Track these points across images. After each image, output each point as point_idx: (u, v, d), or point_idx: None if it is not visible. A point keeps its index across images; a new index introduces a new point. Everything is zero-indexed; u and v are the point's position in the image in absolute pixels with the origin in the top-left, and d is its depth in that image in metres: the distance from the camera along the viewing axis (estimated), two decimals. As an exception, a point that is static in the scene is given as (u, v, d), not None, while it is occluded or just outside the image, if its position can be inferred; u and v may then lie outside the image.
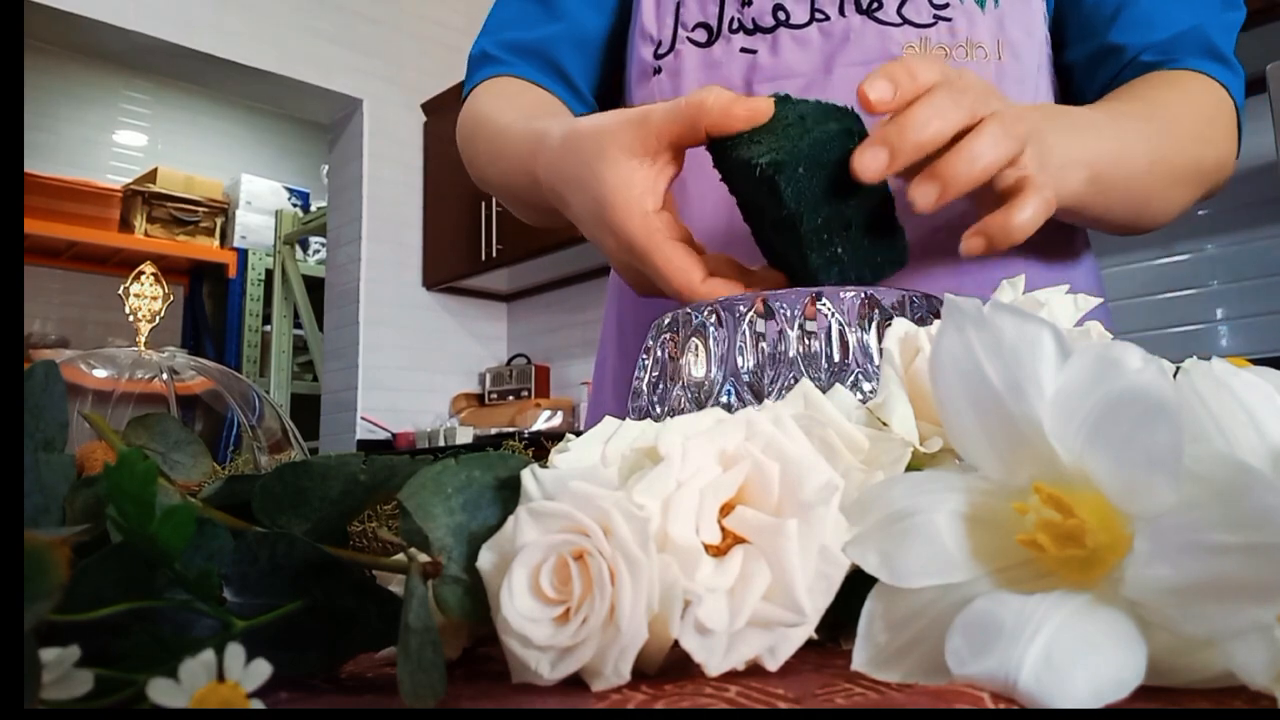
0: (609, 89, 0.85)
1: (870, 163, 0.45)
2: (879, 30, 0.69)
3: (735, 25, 0.72)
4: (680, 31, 0.74)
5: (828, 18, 0.70)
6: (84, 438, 0.46)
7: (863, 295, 0.42)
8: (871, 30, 0.69)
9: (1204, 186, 0.69)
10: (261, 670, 0.21)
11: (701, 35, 0.73)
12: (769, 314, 0.43)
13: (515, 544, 0.25)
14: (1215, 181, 0.70)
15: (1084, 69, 0.74)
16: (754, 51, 0.71)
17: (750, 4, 0.72)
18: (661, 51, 0.75)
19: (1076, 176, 0.55)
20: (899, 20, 0.69)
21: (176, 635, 0.25)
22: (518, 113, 0.72)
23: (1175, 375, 0.26)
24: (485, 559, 0.26)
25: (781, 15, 0.71)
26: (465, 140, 0.80)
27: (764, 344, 0.42)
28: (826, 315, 0.42)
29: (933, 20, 0.69)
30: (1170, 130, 0.64)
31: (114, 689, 0.21)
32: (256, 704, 0.20)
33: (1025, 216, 0.48)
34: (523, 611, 0.24)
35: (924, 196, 0.46)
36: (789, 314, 0.42)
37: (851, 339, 0.42)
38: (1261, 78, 1.84)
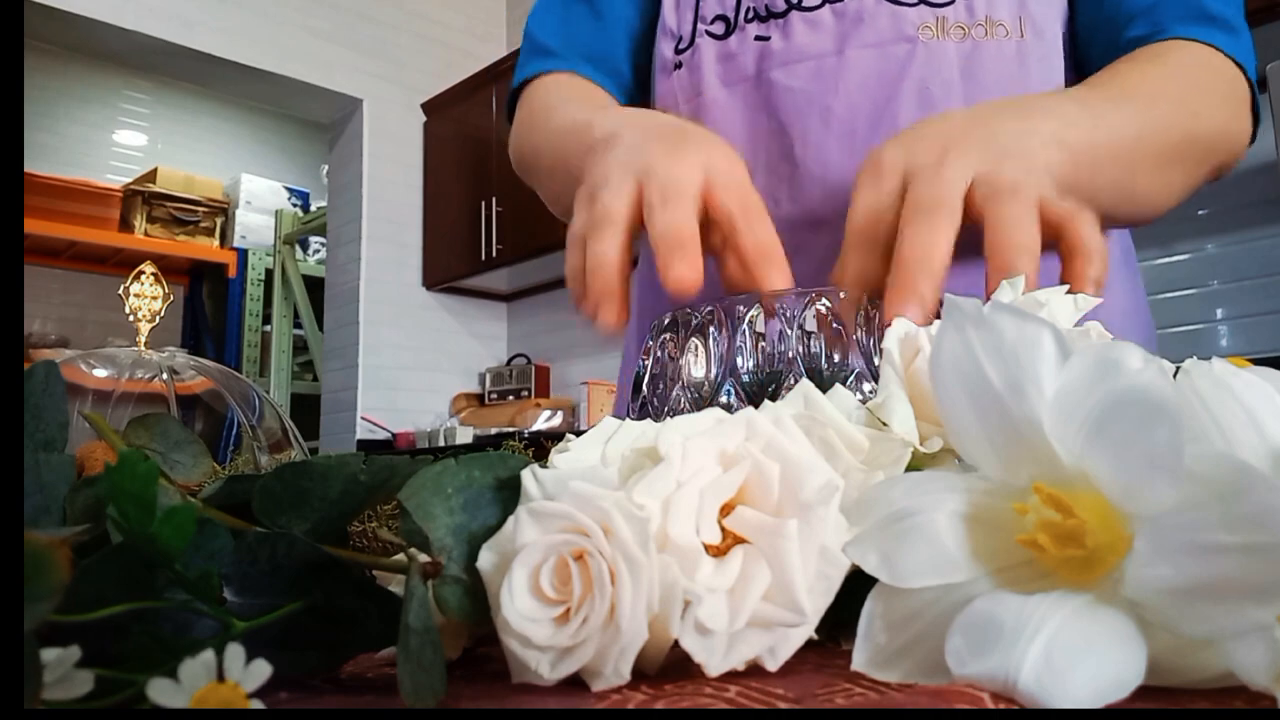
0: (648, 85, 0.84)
1: (914, 316, 0.43)
2: (893, 10, 0.67)
3: (750, 14, 0.72)
4: (699, 25, 0.74)
5: None
6: (84, 438, 0.46)
7: (863, 295, 0.42)
8: (885, 11, 0.67)
9: (1205, 164, 0.62)
10: (261, 670, 0.21)
11: (719, 28, 0.73)
12: (769, 314, 0.43)
13: (515, 544, 0.25)
14: (1221, 157, 0.63)
15: (1086, 44, 0.70)
16: (767, 38, 0.71)
17: None
18: (682, 47, 0.75)
19: (1052, 154, 0.49)
20: (914, 0, 0.67)
21: (176, 635, 0.25)
22: (583, 106, 0.71)
23: (1175, 375, 0.26)
24: (485, 559, 0.26)
25: None
26: (523, 132, 0.77)
27: (764, 344, 0.42)
28: (827, 315, 0.42)
29: None
30: (1150, 108, 0.58)
31: (114, 689, 0.21)
32: (256, 704, 0.20)
33: (1090, 236, 0.44)
34: (523, 611, 0.24)
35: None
36: (789, 314, 0.42)
37: (851, 339, 0.42)
38: (1262, 78, 1.84)
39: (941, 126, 0.49)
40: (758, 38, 0.71)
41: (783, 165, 0.69)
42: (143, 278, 0.66)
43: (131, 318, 0.65)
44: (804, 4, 0.70)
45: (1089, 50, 0.70)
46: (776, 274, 0.48)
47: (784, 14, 0.70)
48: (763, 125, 0.70)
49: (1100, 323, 0.36)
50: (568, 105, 0.72)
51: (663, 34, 0.77)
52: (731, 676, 0.25)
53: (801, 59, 0.69)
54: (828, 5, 0.69)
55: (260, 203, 4.69)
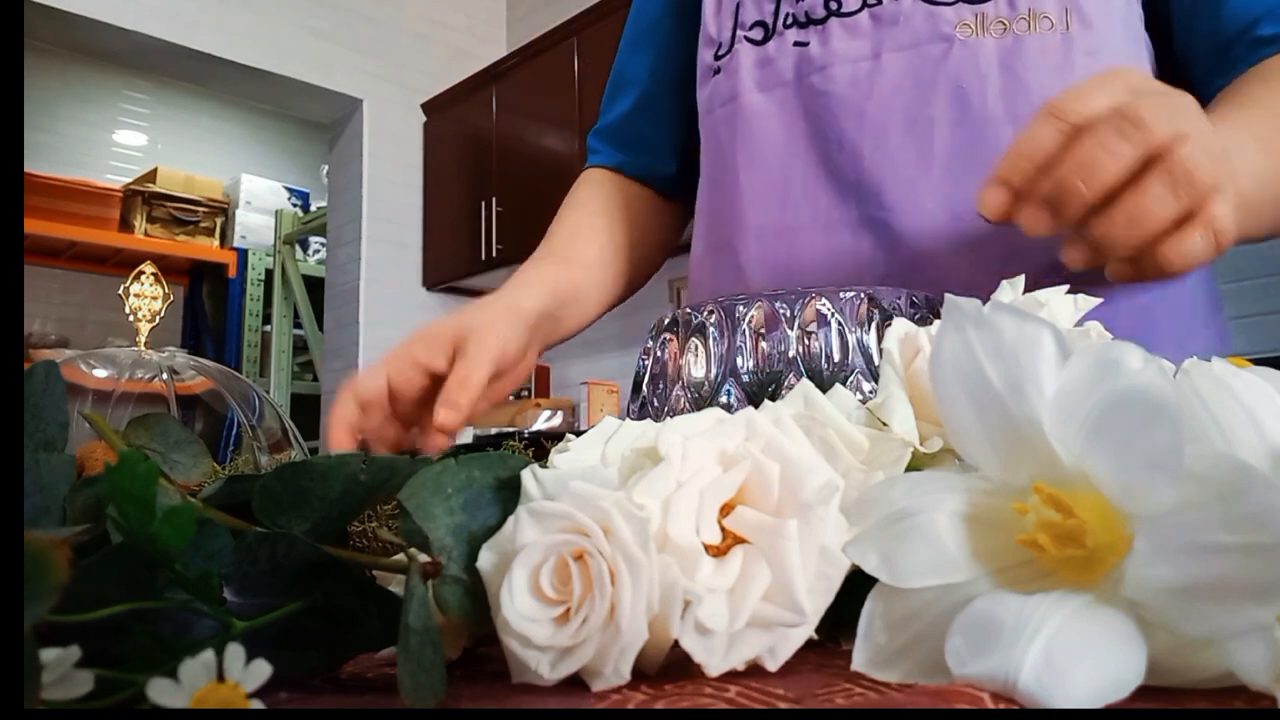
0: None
1: (991, 201, 0.43)
2: (929, 11, 0.66)
3: (789, 20, 0.72)
4: (739, 32, 0.75)
5: (880, 2, 0.68)
6: (84, 438, 0.46)
7: (862, 295, 0.42)
8: (921, 11, 0.66)
9: None
10: (261, 670, 0.21)
11: (758, 34, 0.74)
12: (769, 314, 0.43)
13: (515, 544, 0.25)
14: None
15: (1203, 51, 0.66)
16: (806, 44, 0.71)
17: None
18: (721, 53, 0.76)
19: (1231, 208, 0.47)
20: None
21: (176, 635, 0.25)
22: (548, 244, 0.82)
23: (1175, 375, 0.26)
24: (485, 559, 0.26)
25: (834, 5, 0.70)
26: None
27: (764, 344, 0.42)
28: (827, 315, 0.42)
29: None
30: None
31: (114, 689, 0.21)
32: (256, 704, 0.20)
33: (1192, 248, 0.42)
34: (523, 611, 0.24)
35: (1076, 260, 0.44)
36: (789, 314, 0.42)
37: (851, 339, 0.42)
38: None
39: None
40: (796, 44, 0.71)
41: (820, 169, 0.69)
42: (143, 278, 0.66)
43: (131, 318, 0.65)
44: (843, 9, 0.69)
45: (1188, 37, 0.67)
46: (443, 410, 0.60)
47: (823, 20, 0.70)
48: (800, 130, 0.70)
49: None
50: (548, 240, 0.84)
51: (704, 42, 0.77)
52: (731, 676, 0.25)
53: (838, 64, 0.69)
54: (866, 10, 0.69)
55: (260, 203, 4.68)
